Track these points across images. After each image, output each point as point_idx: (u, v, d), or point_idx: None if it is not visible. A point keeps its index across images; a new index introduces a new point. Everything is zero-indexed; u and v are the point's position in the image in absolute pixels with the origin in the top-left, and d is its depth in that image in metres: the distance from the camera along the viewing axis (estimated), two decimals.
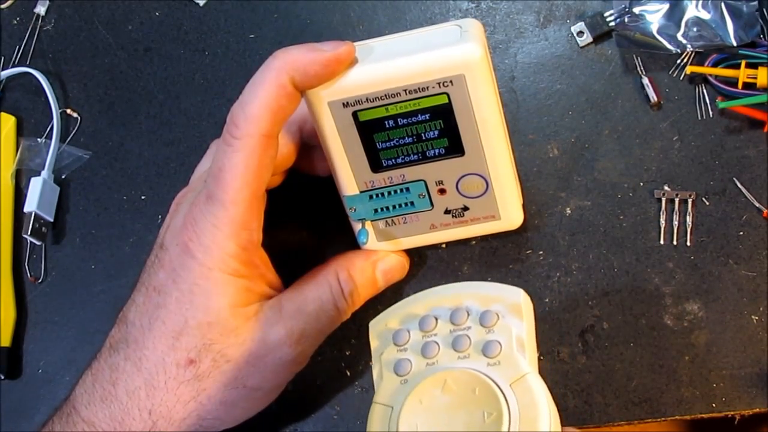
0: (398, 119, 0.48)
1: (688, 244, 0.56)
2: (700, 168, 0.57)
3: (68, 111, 0.64)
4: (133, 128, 0.63)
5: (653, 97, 0.58)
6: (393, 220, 0.52)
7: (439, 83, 0.47)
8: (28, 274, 0.62)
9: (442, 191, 0.51)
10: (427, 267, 0.58)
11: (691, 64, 0.57)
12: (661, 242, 0.57)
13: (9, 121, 0.64)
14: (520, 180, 0.56)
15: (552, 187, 0.58)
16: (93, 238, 0.62)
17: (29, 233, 0.61)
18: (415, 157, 0.50)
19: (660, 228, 0.57)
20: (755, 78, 0.56)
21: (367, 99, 0.48)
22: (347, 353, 0.58)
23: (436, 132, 0.49)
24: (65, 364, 0.61)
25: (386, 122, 0.49)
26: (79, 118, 0.64)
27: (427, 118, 0.48)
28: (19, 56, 0.65)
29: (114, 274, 0.62)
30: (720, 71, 0.57)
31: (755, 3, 0.57)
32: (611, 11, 0.59)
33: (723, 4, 0.57)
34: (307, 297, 0.51)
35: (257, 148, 0.46)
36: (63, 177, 0.63)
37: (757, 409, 0.55)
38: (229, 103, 0.47)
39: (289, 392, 0.53)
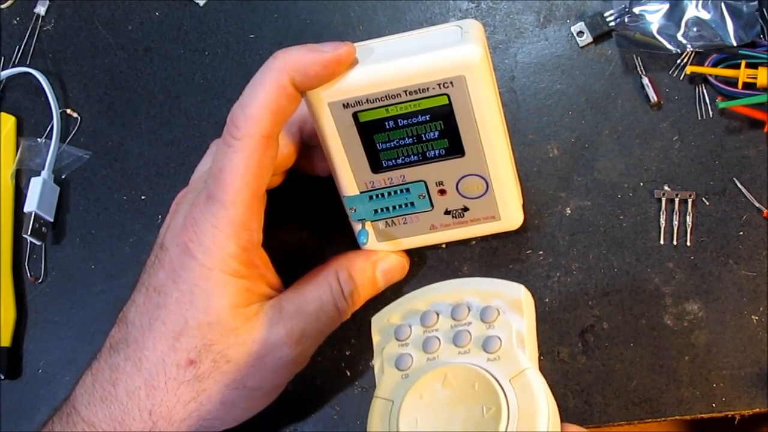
0: (398, 120, 0.48)
1: (688, 244, 0.56)
2: (700, 168, 0.57)
3: (68, 111, 0.64)
4: (133, 128, 0.63)
5: (653, 97, 0.58)
6: (393, 221, 0.52)
7: (439, 84, 0.47)
8: (28, 274, 0.62)
9: (442, 192, 0.51)
10: (427, 267, 0.58)
11: (691, 64, 0.57)
12: (661, 242, 0.57)
13: (9, 121, 0.64)
14: (520, 180, 0.56)
15: (552, 187, 0.58)
16: (93, 238, 0.62)
17: (29, 233, 0.61)
18: (416, 157, 0.50)
19: (660, 228, 0.57)
20: (755, 78, 0.56)
21: (367, 100, 0.48)
22: (347, 353, 0.58)
23: (437, 133, 0.49)
24: (65, 364, 0.61)
25: (386, 123, 0.49)
26: (79, 118, 0.64)
27: (428, 119, 0.48)
28: (19, 56, 0.65)
29: (114, 274, 0.62)
30: (720, 71, 0.57)
31: (755, 3, 0.57)
32: (611, 11, 0.59)
33: (723, 4, 0.57)
34: (307, 297, 0.51)
35: (257, 149, 0.46)
36: (63, 177, 0.63)
37: (757, 409, 0.55)
38: (229, 103, 0.47)
39: (289, 392, 0.53)
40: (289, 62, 0.46)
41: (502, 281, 0.49)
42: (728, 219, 0.56)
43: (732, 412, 0.55)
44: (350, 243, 0.53)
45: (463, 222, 0.52)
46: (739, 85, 0.56)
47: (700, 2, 0.58)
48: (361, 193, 0.51)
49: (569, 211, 0.58)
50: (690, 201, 0.57)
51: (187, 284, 0.48)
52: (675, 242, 0.57)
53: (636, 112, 0.58)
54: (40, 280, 0.62)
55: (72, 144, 0.63)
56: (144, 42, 0.64)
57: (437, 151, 0.50)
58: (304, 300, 0.51)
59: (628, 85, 0.59)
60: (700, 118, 0.58)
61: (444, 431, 0.43)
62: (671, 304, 0.56)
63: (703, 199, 0.57)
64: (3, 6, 0.66)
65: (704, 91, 0.58)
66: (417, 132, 0.49)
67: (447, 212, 0.52)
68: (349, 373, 0.58)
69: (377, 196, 0.51)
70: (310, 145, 0.53)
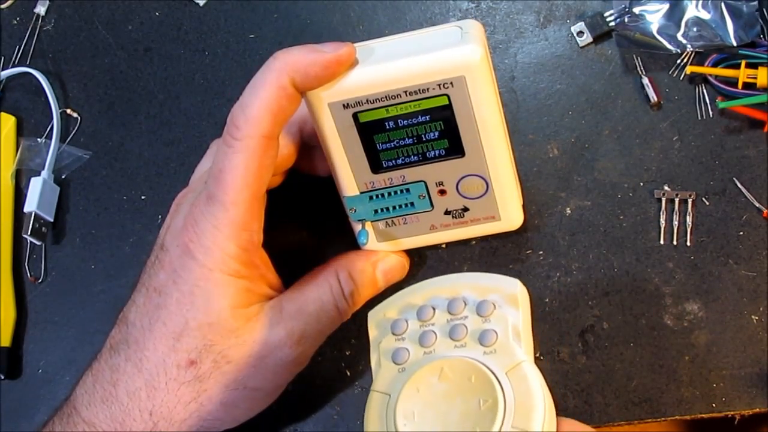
0: (398, 120, 0.48)
1: (688, 244, 0.57)
2: (700, 168, 0.57)
3: (68, 111, 0.64)
4: (133, 128, 0.63)
5: (653, 97, 0.58)
6: (393, 221, 0.52)
7: (439, 85, 0.47)
8: (28, 274, 0.62)
9: (443, 192, 0.51)
10: (427, 267, 0.58)
11: (691, 64, 0.58)
12: (661, 242, 0.57)
13: (9, 121, 0.64)
14: (520, 180, 0.56)
15: (552, 187, 0.58)
16: (93, 238, 0.62)
17: (29, 233, 0.61)
18: (416, 158, 0.50)
19: (660, 228, 0.57)
20: (755, 78, 0.56)
21: (367, 100, 0.48)
22: (347, 353, 0.58)
23: (437, 133, 0.49)
24: (65, 364, 0.61)
25: (386, 123, 0.49)
26: (79, 118, 0.64)
27: (428, 119, 0.48)
28: (19, 56, 0.65)
29: (114, 274, 0.62)
30: (720, 71, 0.57)
31: (755, 3, 0.57)
32: (611, 11, 0.59)
33: (723, 4, 0.57)
34: (307, 298, 0.51)
35: (258, 150, 0.46)
36: (63, 177, 0.63)
37: (757, 409, 0.55)
38: (229, 103, 0.47)
39: (289, 392, 0.53)
40: (289, 63, 0.46)
41: (498, 276, 0.49)
42: (728, 219, 0.56)
43: (732, 412, 0.55)
44: (350, 243, 0.53)
45: (463, 222, 0.52)
46: (739, 85, 0.56)
47: (700, 2, 0.58)
48: (361, 193, 0.51)
49: (569, 211, 0.58)
50: (690, 201, 0.57)
51: (188, 285, 0.48)
52: (675, 242, 0.57)
53: (636, 112, 0.58)
54: (40, 280, 0.62)
55: (72, 144, 0.63)
56: (144, 42, 0.64)
57: (437, 152, 0.50)
58: (304, 300, 0.51)
59: (628, 85, 0.59)
60: (700, 118, 0.58)
61: (441, 424, 0.43)
62: (671, 304, 0.56)
63: (703, 199, 0.57)
64: (3, 6, 0.66)
65: (704, 91, 0.58)
66: (417, 132, 0.49)
67: (447, 212, 0.52)
68: (349, 373, 0.58)
69: (377, 196, 0.51)
70: (310, 145, 0.53)
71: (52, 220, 0.62)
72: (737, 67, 0.56)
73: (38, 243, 0.62)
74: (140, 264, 0.52)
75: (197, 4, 0.64)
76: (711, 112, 0.58)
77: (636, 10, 0.58)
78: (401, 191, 0.51)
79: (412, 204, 0.51)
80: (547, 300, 0.57)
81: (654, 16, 0.58)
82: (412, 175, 0.50)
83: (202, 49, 0.63)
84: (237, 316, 0.49)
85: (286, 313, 0.50)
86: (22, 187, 0.63)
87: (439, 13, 0.61)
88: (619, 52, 0.59)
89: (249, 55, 0.63)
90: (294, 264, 0.53)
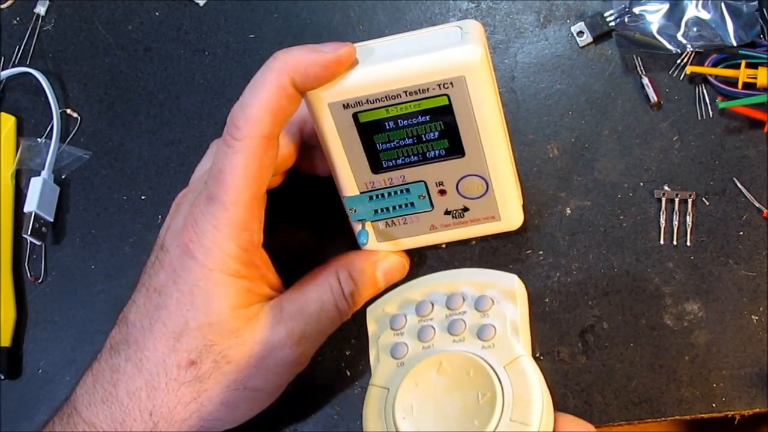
0: (398, 120, 0.48)
1: (688, 244, 0.57)
2: (700, 168, 0.57)
3: (68, 111, 0.64)
4: (133, 128, 0.63)
5: (653, 97, 0.58)
6: (393, 221, 0.52)
7: (439, 85, 0.47)
8: (28, 274, 0.62)
9: (443, 192, 0.51)
10: (427, 267, 0.58)
11: (691, 64, 0.58)
12: (661, 242, 0.57)
13: (9, 121, 0.64)
14: (520, 180, 0.56)
15: (552, 187, 0.58)
16: (93, 238, 0.62)
17: (29, 233, 0.61)
18: (416, 158, 0.50)
19: (660, 228, 0.57)
20: (755, 78, 0.56)
21: (367, 100, 0.48)
22: (347, 353, 0.58)
23: (437, 133, 0.49)
24: (65, 364, 0.61)
25: (386, 123, 0.49)
26: (79, 118, 0.64)
27: (428, 119, 0.48)
28: (19, 56, 0.65)
29: (114, 274, 0.62)
30: (720, 71, 0.57)
31: (755, 3, 0.57)
32: (611, 11, 0.59)
33: (723, 4, 0.57)
34: (307, 298, 0.51)
35: (258, 150, 0.46)
36: (63, 177, 0.63)
37: (757, 409, 0.55)
38: (229, 103, 0.47)
39: (289, 392, 0.53)
40: (289, 63, 0.46)
41: (497, 272, 0.50)
42: (728, 219, 0.56)
43: (732, 412, 0.55)
44: (350, 243, 0.53)
45: (463, 222, 0.52)
46: (739, 85, 0.56)
47: (700, 2, 0.58)
48: (361, 193, 0.51)
49: (569, 211, 0.58)
50: (690, 201, 0.57)
51: (188, 285, 0.48)
52: (675, 242, 0.57)
53: (636, 112, 0.58)
54: (40, 280, 0.62)
55: (72, 144, 0.63)
56: (144, 42, 0.64)
57: (437, 152, 0.50)
58: (304, 300, 0.51)
59: (628, 85, 0.59)
60: (700, 118, 0.58)
61: (439, 418, 0.43)
62: (671, 304, 0.56)
63: (703, 199, 0.57)
64: (3, 6, 0.66)
65: (704, 91, 0.58)
66: (417, 132, 0.49)
67: (447, 212, 0.52)
68: (349, 373, 0.58)
69: (377, 196, 0.51)
70: (310, 145, 0.53)
71: (52, 220, 0.62)
72: (737, 67, 0.56)
73: (38, 243, 0.62)
74: (140, 264, 0.52)
75: (197, 4, 0.64)
76: (711, 112, 0.58)
77: (636, 10, 0.58)
78: (401, 191, 0.51)
79: (412, 204, 0.51)
80: (547, 300, 0.57)
81: (654, 16, 0.58)
82: (412, 175, 0.50)
83: (202, 49, 0.63)
84: (237, 317, 0.49)
85: (287, 314, 0.50)
86: (22, 187, 0.63)
87: (439, 13, 0.61)
88: (619, 52, 0.59)
89: (249, 55, 0.63)
90: (294, 264, 0.53)
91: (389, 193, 0.51)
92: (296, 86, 0.46)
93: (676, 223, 0.57)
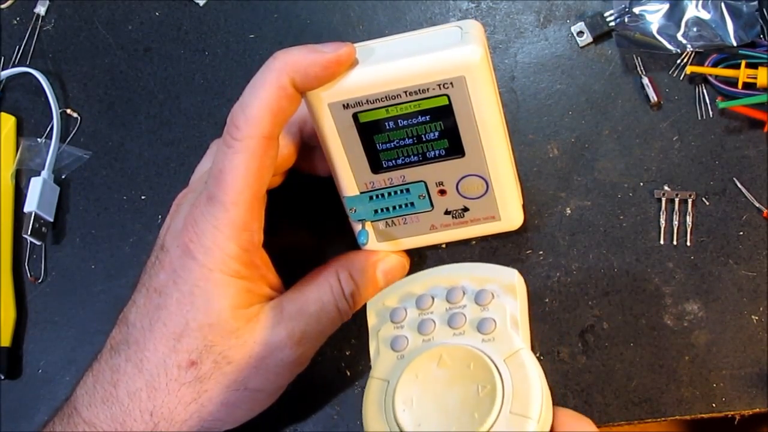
0: (398, 120, 0.48)
1: (688, 244, 0.57)
2: (700, 168, 0.57)
3: (68, 111, 0.64)
4: (133, 128, 0.63)
5: (653, 97, 0.58)
6: (393, 221, 0.52)
7: (439, 85, 0.47)
8: (28, 274, 0.62)
9: (443, 192, 0.51)
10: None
11: (691, 64, 0.58)
12: (661, 242, 0.57)
13: (9, 121, 0.64)
14: (520, 180, 0.56)
15: (552, 187, 0.58)
16: (93, 238, 0.62)
17: (29, 233, 0.61)
18: (416, 158, 0.50)
19: (660, 228, 0.57)
20: (755, 78, 0.56)
21: (367, 100, 0.48)
22: (347, 353, 0.58)
23: (437, 133, 0.49)
24: (65, 364, 0.61)
25: (386, 123, 0.49)
26: (79, 118, 0.64)
27: (428, 119, 0.48)
28: (19, 56, 0.65)
29: (114, 274, 0.62)
30: (720, 71, 0.57)
31: (755, 3, 0.57)
32: (611, 11, 0.59)
33: (723, 4, 0.57)
34: (308, 298, 0.51)
35: (258, 150, 0.46)
36: (63, 177, 0.63)
37: (757, 409, 0.55)
38: (229, 103, 0.47)
39: (289, 392, 0.53)
40: (289, 63, 0.46)
41: (496, 266, 0.50)
42: (728, 219, 0.57)
43: (732, 412, 0.55)
44: (350, 243, 0.53)
45: (463, 222, 0.52)
46: (739, 85, 0.56)
47: (700, 2, 0.58)
48: (361, 193, 0.51)
49: (569, 211, 0.58)
50: (690, 201, 0.57)
51: (188, 285, 0.48)
52: (675, 242, 0.57)
53: (636, 112, 0.58)
54: (40, 280, 0.62)
55: (72, 144, 0.63)
56: (144, 42, 0.64)
57: (437, 152, 0.50)
58: (305, 301, 0.51)
59: (628, 85, 0.59)
60: (700, 118, 0.58)
61: (440, 410, 0.43)
62: (671, 304, 0.56)
63: (703, 199, 0.57)
64: (3, 6, 0.66)
65: (704, 91, 0.58)
66: (417, 132, 0.49)
67: (447, 212, 0.52)
68: (349, 373, 0.58)
69: (377, 196, 0.51)
70: (310, 145, 0.53)
71: (52, 220, 0.62)
72: (737, 67, 0.56)
73: (38, 243, 0.62)
74: (140, 264, 0.52)
75: (197, 4, 0.64)
76: (711, 112, 0.58)
77: (636, 10, 0.58)
78: (401, 191, 0.51)
79: (412, 204, 0.51)
80: (547, 300, 0.57)
81: (654, 16, 0.58)
82: (412, 175, 0.50)
83: (202, 49, 0.63)
84: (237, 317, 0.49)
85: (287, 314, 0.50)
86: (22, 187, 0.63)
87: (439, 13, 0.61)
88: (619, 52, 0.59)
89: (249, 55, 0.63)
90: (294, 264, 0.53)
91: (389, 193, 0.51)
92: (296, 86, 0.46)
93: (676, 223, 0.57)
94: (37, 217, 0.61)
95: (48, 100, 0.63)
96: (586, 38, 0.59)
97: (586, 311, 0.57)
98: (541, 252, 0.57)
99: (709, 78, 0.57)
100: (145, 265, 0.51)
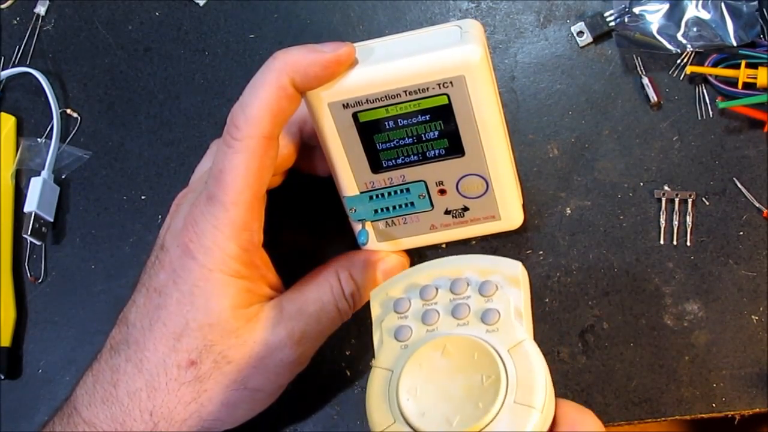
0: (398, 120, 0.48)
1: (688, 244, 0.57)
2: (700, 168, 0.57)
3: (68, 111, 0.64)
4: (133, 128, 0.63)
5: (653, 97, 0.58)
6: (393, 221, 0.52)
7: (439, 84, 0.47)
8: (28, 274, 0.62)
9: (443, 192, 0.51)
10: None
11: (691, 64, 0.58)
12: (661, 242, 0.57)
13: (9, 121, 0.64)
14: (520, 180, 0.56)
15: (552, 187, 0.58)
16: (93, 238, 0.62)
17: (29, 233, 0.61)
18: (416, 157, 0.50)
19: (660, 228, 0.57)
20: (755, 78, 0.56)
21: (367, 100, 0.48)
22: (347, 353, 0.58)
23: (436, 133, 0.49)
24: (65, 364, 0.61)
25: (386, 123, 0.49)
26: (79, 118, 0.64)
27: (427, 119, 0.48)
28: (19, 56, 0.65)
29: (114, 274, 0.62)
30: (720, 71, 0.57)
31: (755, 3, 0.57)
32: (611, 11, 0.59)
33: (723, 4, 0.57)
34: (308, 298, 0.51)
35: (258, 150, 0.46)
36: (63, 177, 0.63)
37: (757, 409, 0.55)
38: (229, 103, 0.47)
39: (289, 392, 0.53)
40: (289, 63, 0.46)
41: (500, 258, 0.49)
42: (728, 219, 0.57)
43: (732, 412, 0.55)
44: (350, 243, 0.53)
45: (463, 222, 0.52)
46: (739, 85, 0.56)
47: (700, 2, 0.58)
48: (361, 193, 0.51)
49: (569, 211, 0.58)
50: (690, 201, 0.57)
51: (188, 285, 0.48)
52: (675, 242, 0.57)
53: (636, 112, 0.58)
54: (40, 280, 0.62)
55: (72, 144, 0.63)
56: (144, 42, 0.64)
57: (437, 151, 0.50)
58: (304, 301, 0.51)
59: (628, 85, 0.59)
60: (700, 118, 0.58)
61: (443, 399, 0.43)
62: (671, 304, 0.56)
63: (703, 199, 0.57)
64: (3, 6, 0.66)
65: (704, 91, 0.58)
66: (417, 132, 0.49)
67: (447, 212, 0.52)
68: (349, 373, 0.58)
69: (377, 196, 0.51)
70: (310, 145, 0.53)
71: (52, 220, 0.62)
72: (737, 67, 0.56)
73: (38, 243, 0.62)
74: (140, 264, 0.52)
75: (197, 4, 0.64)
76: (711, 112, 0.58)
77: (636, 10, 0.58)
78: (401, 191, 0.51)
79: (412, 204, 0.51)
80: (547, 300, 0.57)
81: (654, 16, 0.58)
82: (412, 174, 0.50)
83: (202, 49, 0.63)
84: (237, 317, 0.49)
85: (287, 314, 0.50)
86: (22, 187, 0.63)
87: (439, 13, 0.61)
88: (619, 52, 0.59)
89: (249, 55, 0.63)
90: (294, 264, 0.53)
91: (389, 193, 0.51)
92: (296, 86, 0.46)
93: (676, 223, 0.57)
94: (37, 217, 0.61)
95: (48, 100, 0.63)
96: (586, 38, 0.59)
97: (586, 311, 0.57)
98: (541, 252, 0.57)
99: (709, 78, 0.57)
100: (145, 265, 0.51)
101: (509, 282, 0.48)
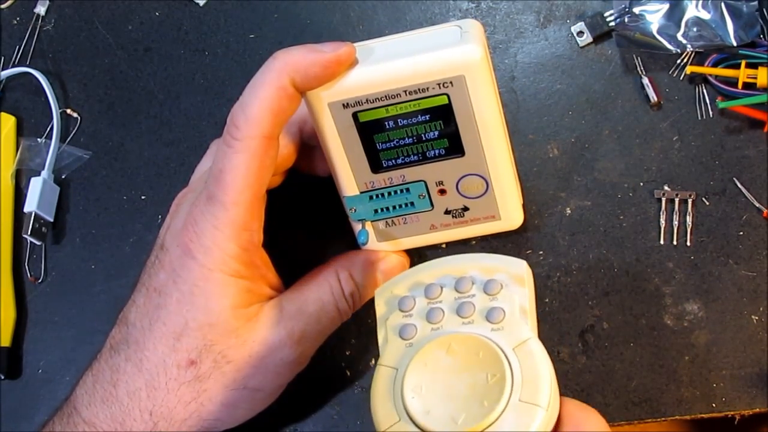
0: (398, 120, 0.48)
1: (688, 244, 0.57)
2: (700, 168, 0.57)
3: (68, 111, 0.64)
4: (133, 128, 0.63)
5: (653, 97, 0.58)
6: (393, 221, 0.52)
7: (439, 84, 0.47)
8: (28, 274, 0.62)
9: (443, 192, 0.51)
10: None
11: (691, 64, 0.58)
12: (661, 242, 0.57)
13: (9, 121, 0.64)
14: (520, 180, 0.56)
15: (552, 187, 0.58)
16: (93, 238, 0.62)
17: (29, 233, 0.61)
18: (415, 157, 0.50)
19: (660, 228, 0.57)
20: (755, 78, 0.56)
21: (367, 100, 0.48)
22: (347, 353, 0.58)
23: (436, 133, 0.49)
24: (65, 364, 0.61)
25: (386, 123, 0.49)
26: (79, 118, 0.64)
27: (427, 118, 0.48)
28: (19, 56, 0.65)
29: (114, 274, 0.62)
30: (720, 71, 0.57)
31: (755, 3, 0.57)
32: (611, 11, 0.59)
33: (723, 4, 0.57)
34: (307, 298, 0.51)
35: (258, 150, 0.46)
36: (63, 177, 0.63)
37: (757, 409, 0.55)
38: (229, 103, 0.47)
39: (289, 392, 0.53)
40: (289, 63, 0.46)
41: (505, 257, 0.49)
42: (728, 219, 0.56)
43: (732, 412, 0.55)
44: (350, 243, 0.53)
45: (463, 222, 0.52)
46: (739, 85, 0.56)
47: (700, 2, 0.58)
48: (361, 193, 0.51)
49: (569, 211, 0.58)
50: (690, 201, 0.57)
51: (188, 285, 0.48)
52: (675, 242, 0.57)
53: (636, 112, 0.58)
54: (40, 280, 0.62)
55: (72, 144, 0.63)
56: (144, 42, 0.64)
57: (437, 151, 0.50)
58: (304, 300, 0.51)
59: (628, 85, 0.59)
60: (700, 118, 0.58)
61: (449, 397, 0.43)
62: (671, 304, 0.56)
63: (703, 199, 0.57)
64: (3, 6, 0.66)
65: (704, 91, 0.58)
66: (417, 132, 0.49)
67: (447, 212, 0.52)
68: (349, 373, 0.58)
69: (377, 196, 0.51)
70: (310, 145, 0.53)
71: (52, 220, 0.62)
72: (737, 67, 0.56)
73: (38, 243, 0.62)
74: (140, 264, 0.52)
75: (197, 4, 0.64)
76: (711, 112, 0.58)
77: (636, 10, 0.58)
78: (401, 191, 0.51)
79: (412, 204, 0.51)
80: (547, 300, 0.57)
81: (654, 16, 0.58)
82: (412, 174, 0.50)
83: (202, 49, 0.63)
84: (237, 316, 0.49)
85: (287, 313, 0.50)
86: (22, 187, 0.63)
87: (439, 13, 0.61)
88: (619, 52, 0.59)
89: (249, 55, 0.63)
90: (294, 264, 0.53)
91: (389, 193, 0.51)
92: (296, 86, 0.46)
93: (676, 223, 0.57)
94: (37, 217, 0.61)
95: (48, 100, 0.63)
96: (586, 38, 0.59)
97: (586, 311, 0.57)
98: (541, 252, 0.57)
99: (709, 78, 0.57)
100: (145, 264, 0.51)
101: (514, 280, 0.48)
